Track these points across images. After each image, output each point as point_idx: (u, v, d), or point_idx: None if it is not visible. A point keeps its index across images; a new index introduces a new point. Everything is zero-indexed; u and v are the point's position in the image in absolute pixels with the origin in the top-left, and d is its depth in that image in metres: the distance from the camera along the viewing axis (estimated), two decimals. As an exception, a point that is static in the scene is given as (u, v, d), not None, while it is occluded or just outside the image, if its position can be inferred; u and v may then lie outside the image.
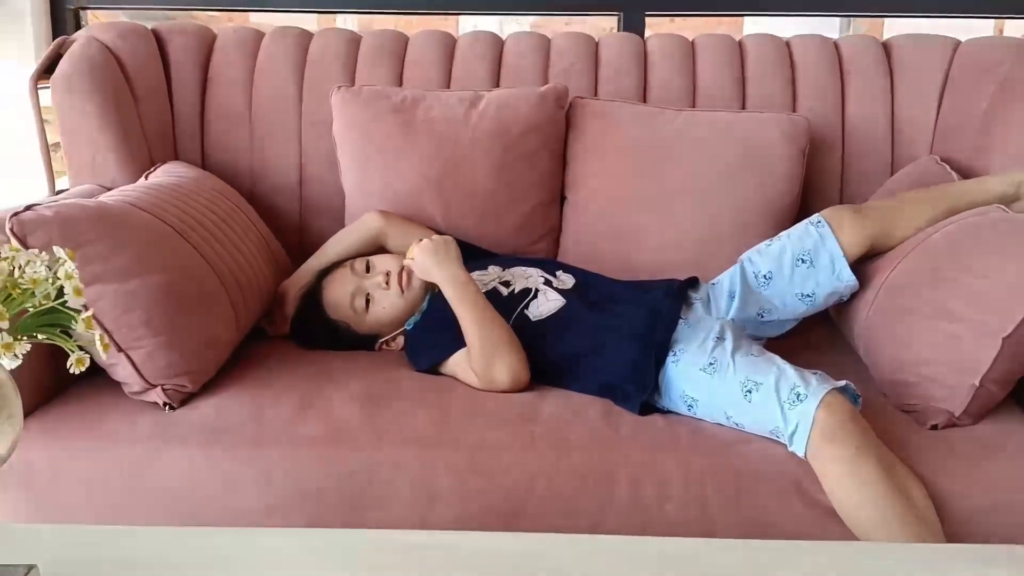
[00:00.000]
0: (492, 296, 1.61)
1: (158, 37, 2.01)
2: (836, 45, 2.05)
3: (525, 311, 1.61)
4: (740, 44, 2.07)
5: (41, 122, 1.89)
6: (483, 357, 1.50)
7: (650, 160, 1.86)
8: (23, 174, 2.15)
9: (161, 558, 0.97)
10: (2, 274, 0.82)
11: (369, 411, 1.43)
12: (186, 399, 1.46)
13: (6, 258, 0.85)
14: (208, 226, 1.64)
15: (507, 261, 1.76)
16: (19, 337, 0.81)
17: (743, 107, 1.99)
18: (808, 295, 1.62)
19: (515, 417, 1.42)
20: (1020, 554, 1.02)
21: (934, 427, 1.41)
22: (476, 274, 1.66)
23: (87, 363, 0.83)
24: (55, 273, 0.84)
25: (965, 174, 1.81)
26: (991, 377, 1.37)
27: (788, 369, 1.38)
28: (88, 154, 1.86)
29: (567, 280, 1.69)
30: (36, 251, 0.86)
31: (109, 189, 1.78)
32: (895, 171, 1.96)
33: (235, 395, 1.47)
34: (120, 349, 1.41)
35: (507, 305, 1.61)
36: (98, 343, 0.83)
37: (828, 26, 2.60)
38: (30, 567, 0.92)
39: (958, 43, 2.01)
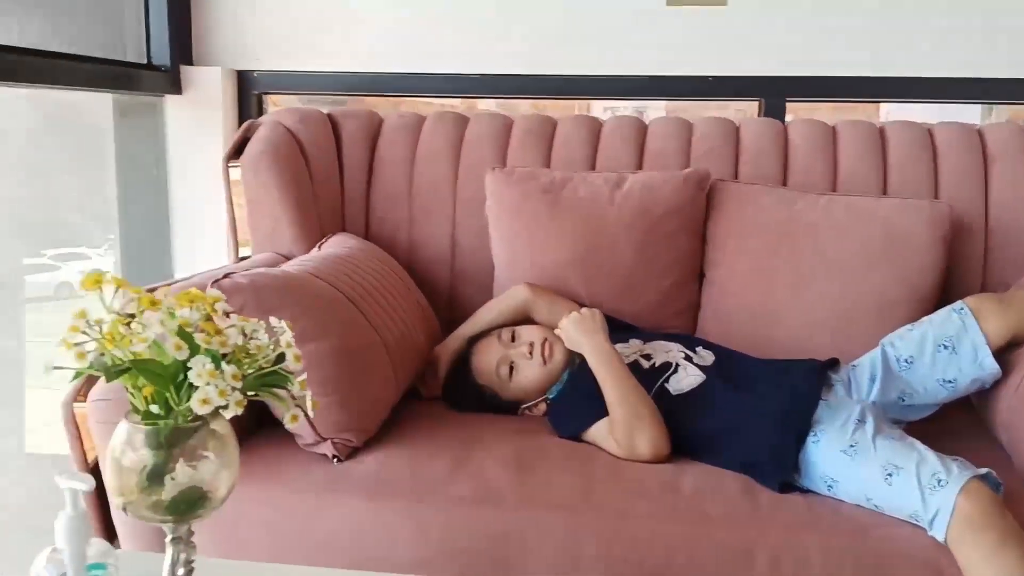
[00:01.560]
0: (633, 368, 1.70)
1: (333, 121, 2.22)
2: (980, 132, 2.07)
3: (665, 384, 1.69)
4: (881, 130, 2.12)
5: (230, 197, 2.12)
6: (626, 428, 1.58)
7: (790, 242, 1.92)
8: (207, 239, 2.40)
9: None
10: (229, 344, 0.97)
11: (517, 474, 1.53)
12: (351, 453, 1.59)
13: (232, 326, 1.00)
14: (373, 294, 1.80)
15: (648, 335, 1.84)
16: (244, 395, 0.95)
17: (884, 193, 2.03)
18: (950, 381, 1.63)
19: (656, 487, 1.49)
20: None
21: (1080, 520, 1.40)
22: (618, 346, 1.74)
23: (300, 418, 0.96)
24: (275, 341, 0.98)
25: (1117, 264, 1.79)
26: None
27: (929, 455, 1.40)
28: (269, 226, 2.07)
29: (707, 356, 1.75)
30: (258, 321, 1.00)
31: (287, 258, 1.98)
32: (1041, 261, 1.95)
33: (394, 452, 1.60)
34: (297, 404, 1.56)
35: (648, 378, 1.69)
36: (309, 402, 0.97)
37: (970, 113, 2.60)
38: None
39: (1109, 131, 2.00)
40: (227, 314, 1.00)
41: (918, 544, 1.36)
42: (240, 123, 2.43)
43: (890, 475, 1.40)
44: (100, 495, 1.58)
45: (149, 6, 2.36)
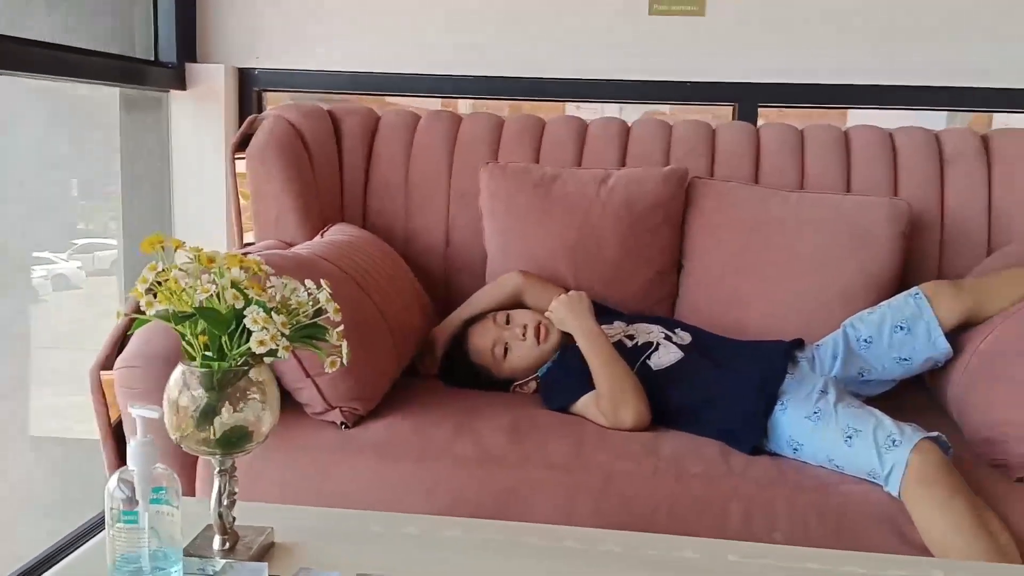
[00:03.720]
0: (617, 347, 1.84)
1: (333, 117, 2.35)
2: (937, 137, 2.25)
3: (647, 361, 1.83)
4: (846, 134, 2.29)
5: (236, 187, 2.23)
6: (611, 399, 1.72)
7: (762, 235, 2.07)
8: (208, 229, 2.51)
9: (364, 534, 1.22)
10: (274, 299, 1.09)
11: (514, 438, 1.66)
12: (358, 420, 1.72)
13: (272, 286, 1.12)
14: (374, 277, 1.92)
15: (631, 318, 1.99)
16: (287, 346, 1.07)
17: (848, 191, 2.20)
18: (905, 359, 1.79)
19: (640, 450, 1.63)
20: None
21: (1020, 480, 1.56)
22: (603, 328, 1.89)
23: (338, 364, 1.09)
24: (314, 298, 1.11)
25: (1058, 259, 1.96)
26: (1077, 437, 1.52)
27: (885, 419, 1.56)
28: (273, 214, 2.18)
29: (685, 337, 1.90)
30: (296, 282, 1.13)
31: (290, 245, 2.09)
32: (990, 254, 2.12)
33: (399, 419, 1.72)
34: (308, 375, 1.68)
35: (631, 355, 1.83)
36: (344, 351, 1.10)
37: (936, 120, 2.78)
38: (269, 528, 1.18)
39: (1054, 138, 2.19)
40: (268, 276, 1.13)
41: (875, 499, 1.52)
42: (241, 118, 2.56)
43: (850, 437, 1.55)
44: (120, 456, 1.69)
45: (158, 5, 2.48)
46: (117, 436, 1.69)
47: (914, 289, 1.83)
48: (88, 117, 2.70)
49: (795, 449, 1.63)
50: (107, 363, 1.66)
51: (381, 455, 1.62)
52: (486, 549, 1.21)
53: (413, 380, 1.97)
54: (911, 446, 1.48)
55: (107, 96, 2.54)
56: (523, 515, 1.54)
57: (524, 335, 1.93)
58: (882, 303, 1.86)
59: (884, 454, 1.50)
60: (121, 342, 1.69)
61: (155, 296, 1.05)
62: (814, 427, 1.61)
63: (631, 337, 1.90)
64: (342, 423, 1.70)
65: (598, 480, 1.57)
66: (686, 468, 1.59)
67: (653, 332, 1.91)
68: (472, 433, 1.68)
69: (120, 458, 1.69)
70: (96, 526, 1.64)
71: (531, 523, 1.32)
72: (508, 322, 1.97)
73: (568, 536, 1.25)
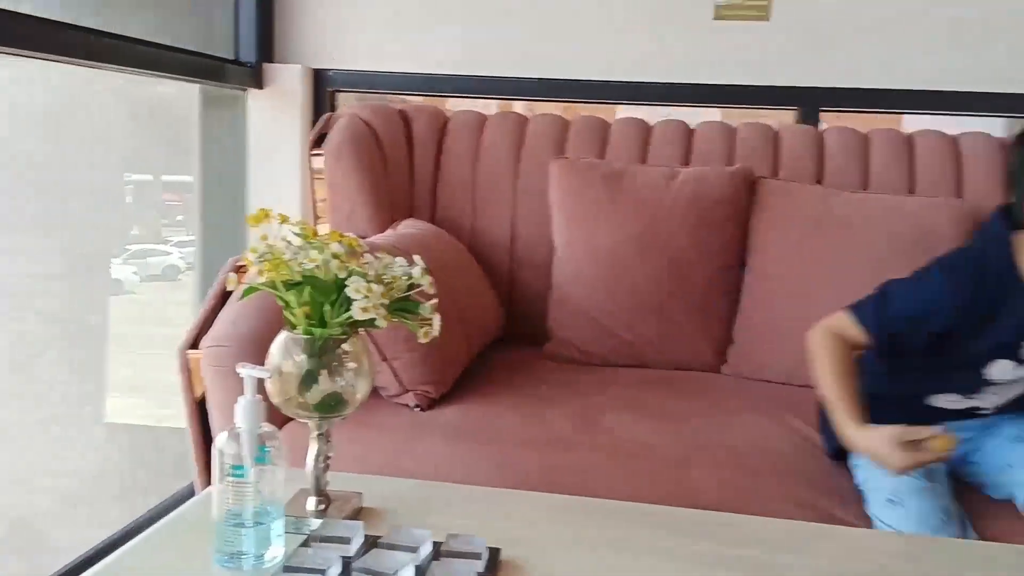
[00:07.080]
0: None
1: (404, 116, 2.42)
2: (1001, 142, 2.25)
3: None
4: (909, 138, 2.30)
5: (312, 181, 2.32)
6: None
7: (825, 234, 2.10)
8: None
9: (446, 501, 1.28)
10: (370, 275, 1.16)
11: (579, 426, 1.71)
12: (430, 404, 1.78)
13: (367, 263, 1.19)
14: (445, 269, 1.98)
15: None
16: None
17: (912, 193, 2.21)
18: None
19: (709, 443, 1.67)
20: None
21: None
22: None
23: (431, 336, 1.15)
24: (407, 274, 1.17)
25: None
26: None
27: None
28: (347, 208, 2.26)
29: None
30: (391, 258, 1.19)
31: (362, 238, 2.17)
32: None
33: (470, 404, 1.79)
34: (384, 359, 1.75)
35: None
36: (436, 323, 1.16)
37: (990, 125, 2.78)
38: (359, 493, 1.24)
39: (1121, 141, 2.18)
40: (363, 253, 1.20)
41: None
42: (315, 117, 2.65)
43: None
44: (204, 434, 1.77)
45: (239, 7, 2.58)
46: (201, 413, 1.77)
47: None
48: (166, 116, 2.82)
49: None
50: (194, 343, 1.75)
51: (452, 437, 1.68)
52: (566, 518, 1.25)
53: (481, 370, 2.03)
54: None
55: (189, 93, 2.65)
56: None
57: None
58: None
59: None
60: (206, 323, 1.77)
61: (264, 264, 1.11)
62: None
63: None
64: (416, 405, 1.76)
65: (662, 466, 1.61)
66: (752, 464, 1.63)
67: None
68: (540, 419, 1.73)
69: (203, 434, 1.78)
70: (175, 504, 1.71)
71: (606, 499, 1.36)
72: None
73: (638, 511, 1.30)
